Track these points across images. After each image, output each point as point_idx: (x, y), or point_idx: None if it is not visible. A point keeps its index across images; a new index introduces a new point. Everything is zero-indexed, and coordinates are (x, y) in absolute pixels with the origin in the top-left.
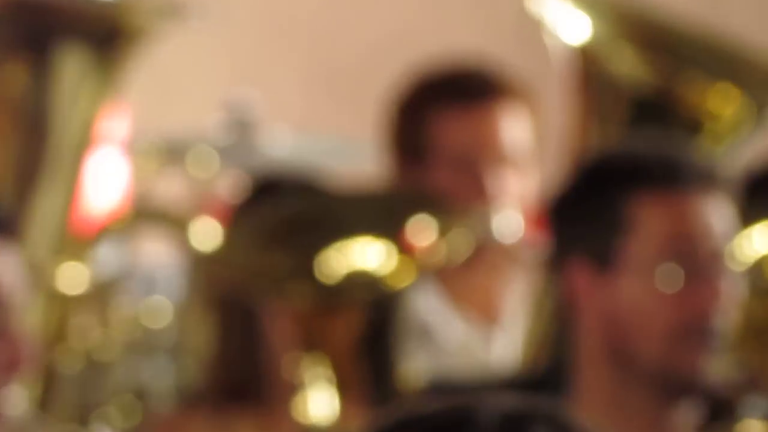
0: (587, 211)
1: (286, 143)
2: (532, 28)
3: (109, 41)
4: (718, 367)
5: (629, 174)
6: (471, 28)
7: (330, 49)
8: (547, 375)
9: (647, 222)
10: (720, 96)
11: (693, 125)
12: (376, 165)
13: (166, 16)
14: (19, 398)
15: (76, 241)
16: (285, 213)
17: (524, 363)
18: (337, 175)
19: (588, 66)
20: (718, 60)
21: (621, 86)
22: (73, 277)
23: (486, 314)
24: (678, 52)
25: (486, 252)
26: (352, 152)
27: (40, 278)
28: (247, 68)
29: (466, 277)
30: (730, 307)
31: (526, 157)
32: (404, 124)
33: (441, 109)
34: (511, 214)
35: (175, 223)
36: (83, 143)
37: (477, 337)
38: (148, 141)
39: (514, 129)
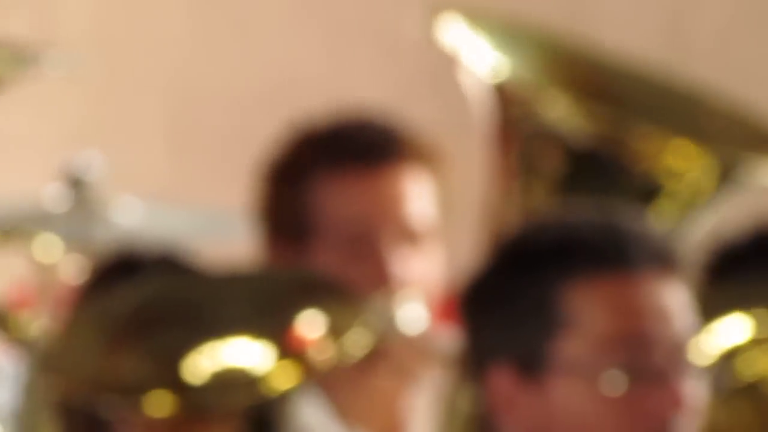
0: (511, 302)
1: (142, 215)
2: (444, 73)
3: None
4: None
5: (564, 255)
6: (373, 75)
7: (197, 102)
8: None
9: (588, 316)
10: (679, 153)
11: (646, 186)
12: (254, 243)
13: None
14: None
15: None
16: (139, 301)
17: None
18: (206, 254)
19: (510, 109)
20: (675, 112)
21: (554, 135)
22: None
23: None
24: (625, 101)
25: (384, 353)
26: (225, 226)
27: None
28: (95, 126)
29: (359, 384)
30: (692, 415)
31: (433, 232)
32: (279, 193)
33: (327, 174)
34: (417, 305)
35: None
36: None
37: None
38: None
39: (419, 198)
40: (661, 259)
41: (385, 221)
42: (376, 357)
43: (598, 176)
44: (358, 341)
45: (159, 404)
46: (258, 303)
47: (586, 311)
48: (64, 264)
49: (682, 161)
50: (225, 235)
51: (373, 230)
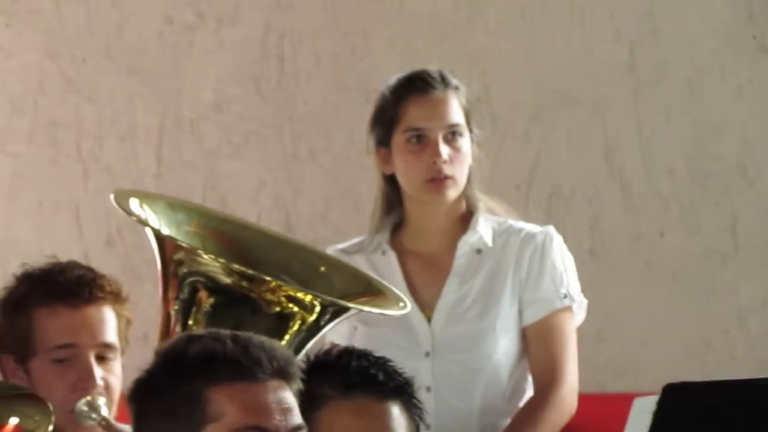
0: (166, 399)
1: None
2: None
3: None
4: None
5: (208, 365)
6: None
7: None
8: None
9: (228, 412)
10: (297, 297)
11: (276, 319)
12: None
13: None
14: None
15: None
16: None
17: None
18: None
19: (172, 256)
20: (294, 266)
21: (207, 278)
22: None
23: None
24: (260, 262)
25: None
26: None
27: None
28: None
29: None
30: None
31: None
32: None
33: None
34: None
35: None
36: None
37: None
38: None
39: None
40: (281, 371)
41: (89, 340)
42: None
43: (241, 310)
44: None
45: None
46: None
47: (226, 409)
48: None
49: (299, 301)
50: None
51: (80, 347)
